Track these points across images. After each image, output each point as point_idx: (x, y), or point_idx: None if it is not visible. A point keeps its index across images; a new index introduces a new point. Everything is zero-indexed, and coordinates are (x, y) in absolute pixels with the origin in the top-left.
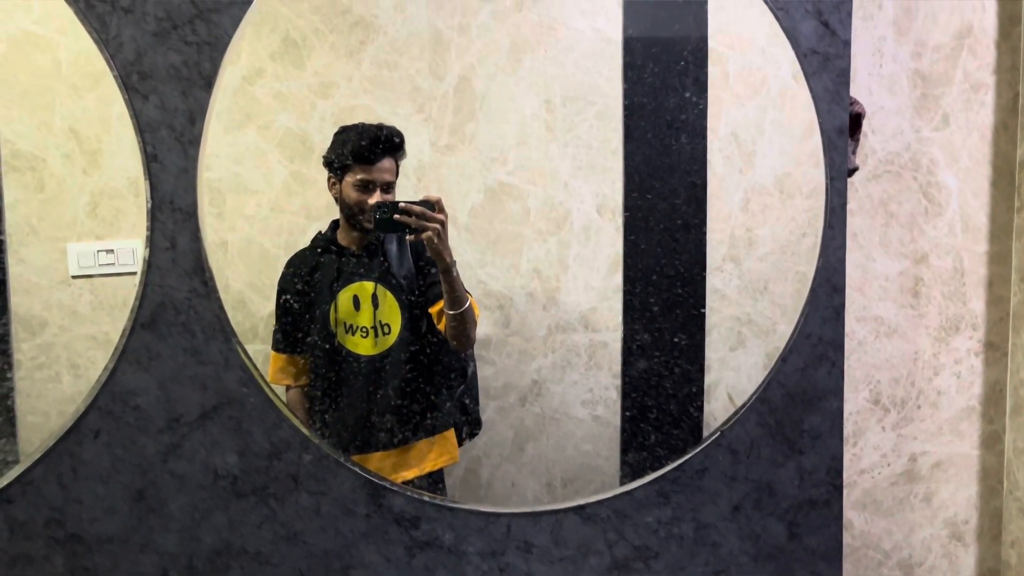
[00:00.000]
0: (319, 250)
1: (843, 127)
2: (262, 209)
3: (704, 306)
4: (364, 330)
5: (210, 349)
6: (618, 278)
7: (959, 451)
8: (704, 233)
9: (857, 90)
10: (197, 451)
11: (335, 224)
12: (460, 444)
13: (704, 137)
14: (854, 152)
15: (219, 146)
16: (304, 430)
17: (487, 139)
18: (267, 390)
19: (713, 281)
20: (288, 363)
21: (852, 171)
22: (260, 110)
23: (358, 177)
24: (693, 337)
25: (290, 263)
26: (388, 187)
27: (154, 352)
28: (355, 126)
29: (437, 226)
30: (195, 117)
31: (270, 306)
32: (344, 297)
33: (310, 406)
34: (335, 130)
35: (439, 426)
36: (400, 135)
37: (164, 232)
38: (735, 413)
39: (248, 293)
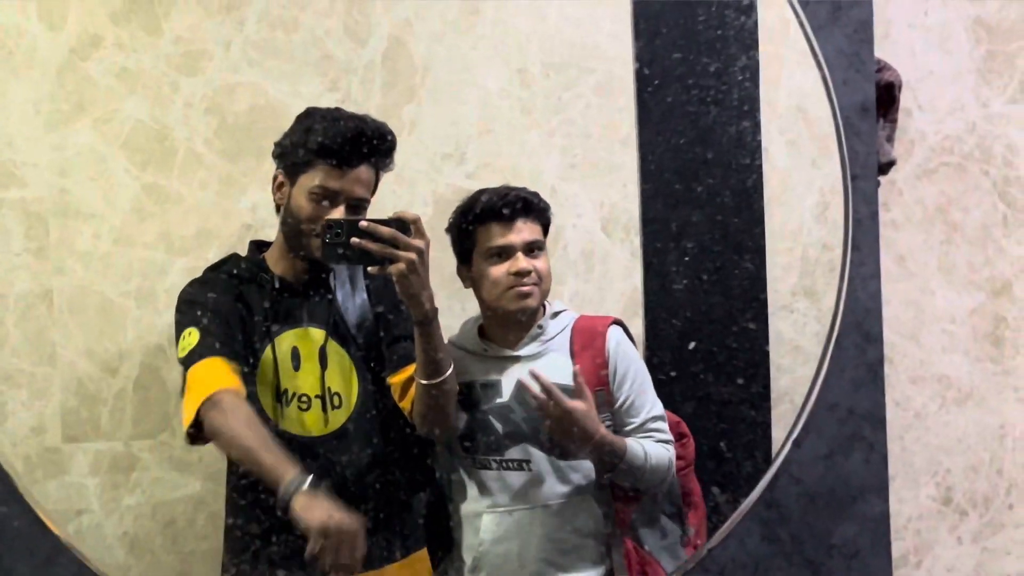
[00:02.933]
0: (237, 279)
1: (868, 104)
2: (102, 242)
3: (768, 364)
4: (305, 400)
5: None
6: (638, 324)
7: None
8: (763, 256)
9: (893, 49)
10: None
11: (259, 245)
12: (436, 566)
13: (756, 114)
14: (889, 139)
15: (36, 150)
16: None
17: (434, 127)
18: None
19: (779, 326)
20: (222, 373)
21: (888, 165)
22: (97, 96)
23: (317, 182)
24: (755, 408)
25: (196, 285)
26: (358, 205)
27: None
28: (329, 111)
29: (412, 256)
30: None
31: (116, 384)
32: (281, 348)
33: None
34: (209, 115)
35: (412, 544)
36: (392, 136)
37: None
38: (727, 523)
39: (85, 365)
